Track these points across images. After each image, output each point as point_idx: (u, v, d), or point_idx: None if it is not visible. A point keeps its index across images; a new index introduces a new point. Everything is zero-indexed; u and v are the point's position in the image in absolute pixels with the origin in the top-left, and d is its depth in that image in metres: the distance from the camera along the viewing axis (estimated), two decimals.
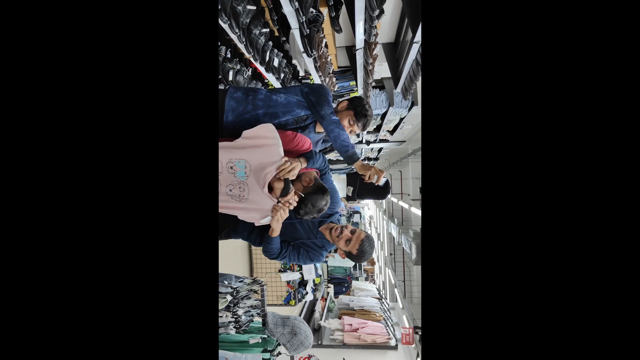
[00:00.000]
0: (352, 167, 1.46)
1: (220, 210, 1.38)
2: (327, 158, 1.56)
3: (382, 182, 1.44)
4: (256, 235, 1.55)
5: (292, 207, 1.35)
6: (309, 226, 1.54)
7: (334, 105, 1.54)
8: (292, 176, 1.33)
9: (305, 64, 2.84)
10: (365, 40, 1.87)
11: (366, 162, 6.18)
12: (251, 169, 1.31)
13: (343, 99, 1.61)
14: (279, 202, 1.34)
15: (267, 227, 1.44)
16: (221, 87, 2.19)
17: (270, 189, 1.36)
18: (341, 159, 1.45)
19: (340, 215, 1.62)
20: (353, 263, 8.00)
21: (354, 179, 1.48)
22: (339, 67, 3.22)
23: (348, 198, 1.52)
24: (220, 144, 1.32)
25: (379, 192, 1.48)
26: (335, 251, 1.56)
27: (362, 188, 1.48)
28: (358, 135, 5.43)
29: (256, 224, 1.42)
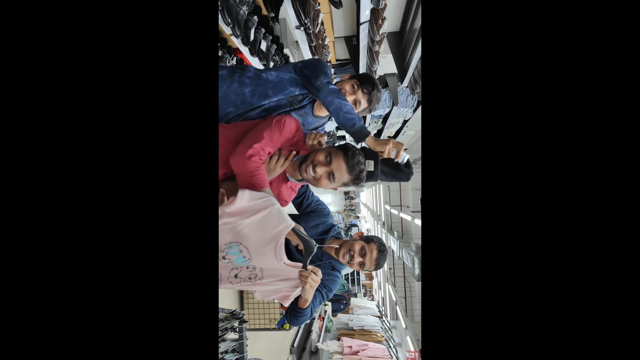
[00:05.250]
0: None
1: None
2: None
3: (402, 158, 1.20)
4: None
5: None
6: None
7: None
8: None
9: (300, 54, 2.49)
10: (372, 8, 1.51)
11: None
12: (249, 250, 1.04)
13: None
14: (304, 266, 1.09)
15: None
16: None
17: (289, 254, 1.09)
18: None
19: (338, 227, 1.43)
20: (351, 270, 7.71)
21: (373, 152, 1.20)
22: (337, 60, 2.88)
23: (369, 175, 1.20)
24: None
25: (402, 171, 1.24)
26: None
27: (382, 165, 1.22)
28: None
29: (286, 305, 1.16)
